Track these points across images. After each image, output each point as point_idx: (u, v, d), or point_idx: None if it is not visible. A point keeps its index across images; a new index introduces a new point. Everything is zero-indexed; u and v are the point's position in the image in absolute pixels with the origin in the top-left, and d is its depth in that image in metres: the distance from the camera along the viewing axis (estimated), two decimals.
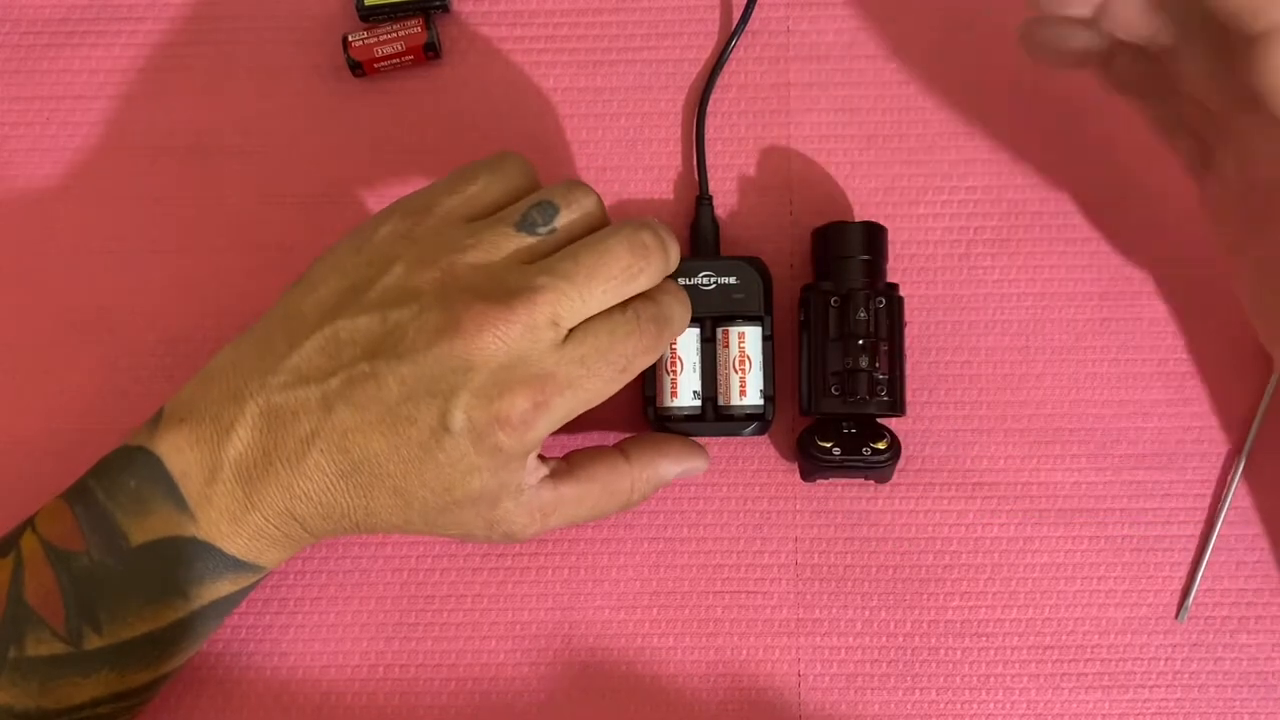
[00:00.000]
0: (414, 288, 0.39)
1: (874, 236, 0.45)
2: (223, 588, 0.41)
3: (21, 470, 0.47)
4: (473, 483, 0.39)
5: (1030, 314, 0.48)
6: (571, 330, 0.39)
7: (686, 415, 0.45)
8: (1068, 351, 0.47)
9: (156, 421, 0.40)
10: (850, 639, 0.47)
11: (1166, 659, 0.47)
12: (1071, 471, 0.47)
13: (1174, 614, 0.47)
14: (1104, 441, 0.47)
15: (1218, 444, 0.47)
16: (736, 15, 0.48)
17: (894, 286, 0.45)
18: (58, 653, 0.39)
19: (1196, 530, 0.47)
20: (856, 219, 0.48)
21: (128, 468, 0.40)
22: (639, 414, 0.47)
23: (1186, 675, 0.46)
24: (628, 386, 0.47)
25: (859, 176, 0.48)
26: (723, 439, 0.47)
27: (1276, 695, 0.46)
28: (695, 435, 0.46)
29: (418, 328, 0.38)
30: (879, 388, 0.44)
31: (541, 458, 0.42)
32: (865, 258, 0.45)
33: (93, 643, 0.39)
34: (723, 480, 0.47)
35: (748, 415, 0.45)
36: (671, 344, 0.45)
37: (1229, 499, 0.47)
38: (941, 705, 0.47)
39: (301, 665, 0.47)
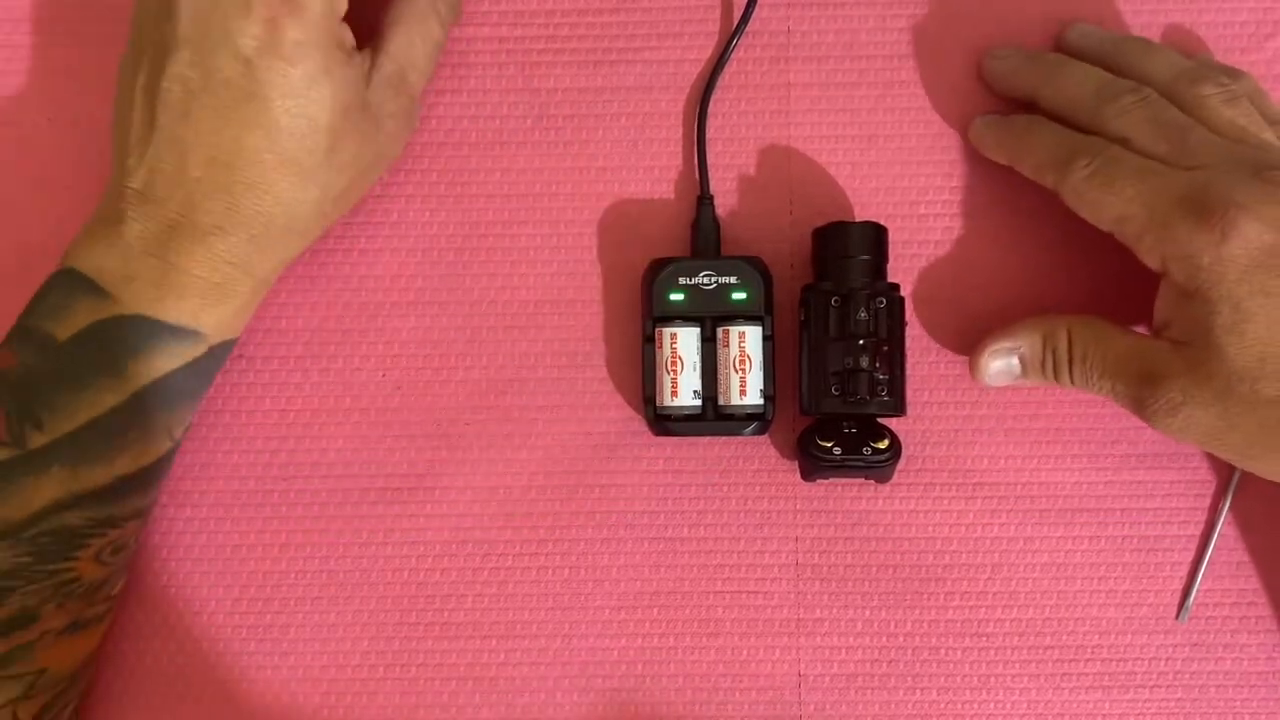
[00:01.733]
0: (164, 12, 0.41)
1: (875, 236, 0.45)
2: (162, 361, 0.41)
3: None
4: (320, 98, 0.41)
5: (1030, 314, 0.47)
6: None
7: (686, 415, 0.45)
8: None
9: (65, 253, 0.42)
10: (851, 639, 0.47)
11: (1167, 659, 0.47)
12: (1071, 471, 0.47)
13: (1174, 614, 0.47)
14: (1104, 441, 0.47)
15: None
16: (737, 15, 0.48)
17: (894, 286, 0.45)
18: (3, 458, 0.40)
19: (1197, 530, 0.47)
20: (856, 219, 0.48)
21: (47, 290, 0.41)
22: (638, 414, 0.47)
23: (1187, 675, 0.46)
24: (627, 387, 0.47)
25: (859, 176, 0.48)
26: (723, 439, 0.47)
27: (1277, 695, 0.46)
28: (695, 435, 0.46)
29: (171, 21, 0.40)
30: (879, 388, 0.44)
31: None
32: (866, 258, 0.45)
33: (37, 440, 0.40)
34: (723, 480, 0.47)
35: (748, 415, 0.45)
36: (672, 343, 0.45)
37: (1229, 499, 0.47)
38: (942, 705, 0.47)
39: (301, 665, 0.47)
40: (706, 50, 0.49)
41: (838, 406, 0.44)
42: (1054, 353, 0.44)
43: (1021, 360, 0.45)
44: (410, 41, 0.44)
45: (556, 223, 0.48)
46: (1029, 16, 0.48)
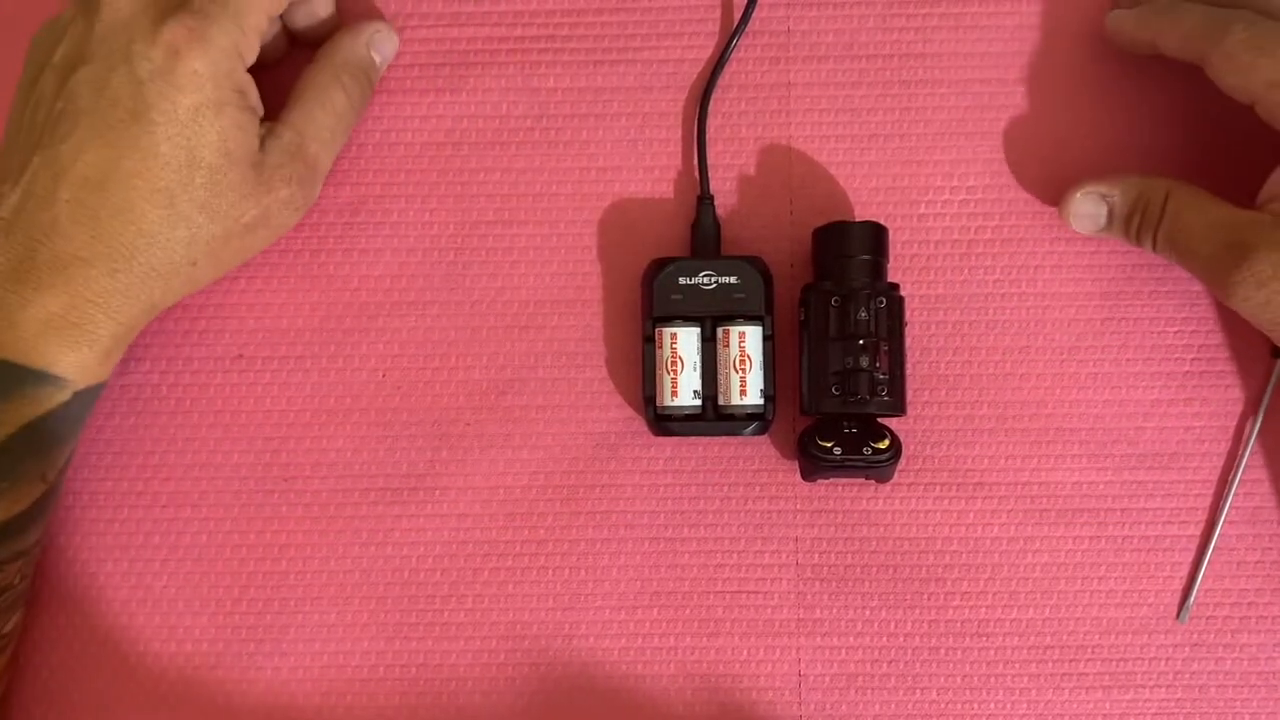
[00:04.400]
0: (70, 32, 0.42)
1: (875, 236, 0.45)
2: (25, 409, 0.40)
3: None
4: (205, 133, 0.40)
5: (1030, 314, 0.48)
6: None
7: (687, 415, 0.45)
8: (1068, 351, 0.47)
9: None
10: (851, 639, 0.47)
11: (1167, 659, 0.46)
12: (1071, 471, 0.47)
13: (1175, 614, 0.47)
14: (1104, 441, 0.47)
15: (1218, 444, 0.47)
16: (737, 15, 0.48)
17: (894, 286, 0.45)
18: None
19: (1197, 530, 0.47)
20: (856, 219, 0.48)
21: None
22: (638, 414, 0.47)
23: (1187, 675, 0.46)
24: (627, 387, 0.47)
25: (859, 176, 0.48)
26: (723, 439, 0.47)
27: (1277, 695, 0.46)
28: (695, 435, 0.46)
29: (76, 41, 0.41)
30: (880, 387, 0.44)
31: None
32: (866, 257, 0.45)
33: None
34: (723, 480, 0.47)
35: (748, 415, 0.45)
36: (672, 342, 0.45)
37: (1229, 499, 0.47)
38: (942, 705, 0.47)
39: (301, 665, 0.47)
40: (706, 50, 0.49)
41: (838, 406, 0.44)
42: (1145, 210, 0.43)
43: (1110, 210, 0.45)
44: (311, 113, 0.44)
45: (556, 223, 0.48)
46: (1030, 14, 0.48)
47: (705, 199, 0.47)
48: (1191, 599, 0.46)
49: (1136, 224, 0.44)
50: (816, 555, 0.47)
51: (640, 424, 0.47)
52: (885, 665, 0.47)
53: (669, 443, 0.47)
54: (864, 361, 0.43)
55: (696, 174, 0.48)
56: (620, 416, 0.48)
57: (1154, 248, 0.44)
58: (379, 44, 0.47)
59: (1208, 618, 0.47)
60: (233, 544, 0.47)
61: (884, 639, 0.47)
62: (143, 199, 0.40)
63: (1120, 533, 0.47)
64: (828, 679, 0.47)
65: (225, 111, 0.41)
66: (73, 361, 0.41)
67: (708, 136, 0.48)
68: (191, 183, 0.41)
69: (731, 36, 0.48)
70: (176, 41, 0.40)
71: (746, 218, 0.48)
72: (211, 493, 0.48)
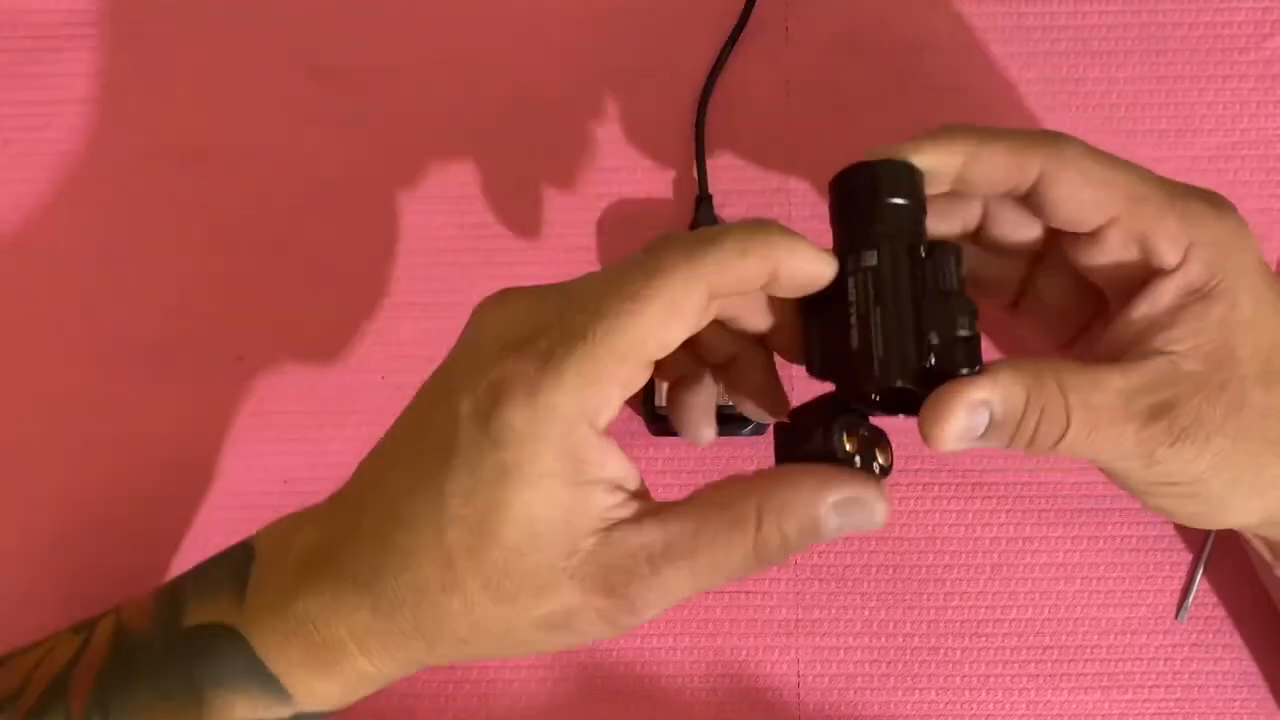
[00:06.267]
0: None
1: (911, 177, 0.34)
2: (238, 706, 0.34)
3: (21, 476, 0.47)
4: (507, 504, 0.31)
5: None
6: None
7: None
8: None
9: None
10: (849, 639, 0.47)
11: (1166, 659, 0.47)
12: (1071, 471, 0.47)
13: (1174, 614, 0.47)
14: None
15: None
16: (737, 15, 0.48)
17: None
18: None
19: (1196, 530, 0.47)
20: None
21: (222, 558, 0.36)
22: (637, 414, 0.47)
23: (1186, 675, 0.46)
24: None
25: None
26: (722, 439, 0.47)
27: (1276, 695, 0.46)
28: None
29: (453, 351, 0.35)
30: (976, 356, 0.32)
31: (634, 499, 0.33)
32: (906, 202, 0.34)
33: None
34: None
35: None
36: None
37: None
38: (941, 705, 0.47)
39: None
40: (706, 50, 0.49)
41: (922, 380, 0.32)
42: (1044, 412, 0.33)
43: (992, 419, 0.32)
44: (689, 532, 0.31)
45: (556, 223, 0.48)
46: (1028, 15, 0.48)
47: (705, 199, 0.47)
48: (1190, 599, 0.46)
49: (1029, 435, 0.33)
50: (815, 555, 0.47)
51: (640, 424, 0.47)
52: (884, 665, 0.47)
53: (668, 443, 0.47)
54: (963, 325, 0.32)
55: (695, 174, 0.48)
56: (620, 416, 0.47)
57: (1058, 453, 0.34)
58: (861, 517, 0.33)
59: (1207, 618, 0.47)
60: None
61: (883, 639, 0.47)
62: (421, 548, 0.32)
63: (1120, 533, 0.47)
64: (826, 679, 0.47)
65: (542, 485, 0.31)
66: (314, 689, 0.34)
67: (707, 136, 0.48)
68: (478, 552, 0.31)
69: (731, 36, 0.48)
70: (506, 383, 0.31)
71: (746, 218, 0.48)
72: (212, 494, 0.48)
